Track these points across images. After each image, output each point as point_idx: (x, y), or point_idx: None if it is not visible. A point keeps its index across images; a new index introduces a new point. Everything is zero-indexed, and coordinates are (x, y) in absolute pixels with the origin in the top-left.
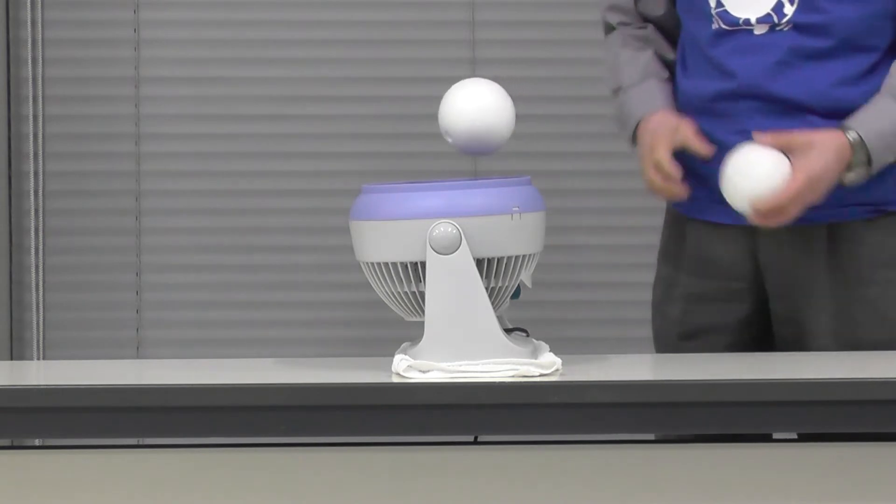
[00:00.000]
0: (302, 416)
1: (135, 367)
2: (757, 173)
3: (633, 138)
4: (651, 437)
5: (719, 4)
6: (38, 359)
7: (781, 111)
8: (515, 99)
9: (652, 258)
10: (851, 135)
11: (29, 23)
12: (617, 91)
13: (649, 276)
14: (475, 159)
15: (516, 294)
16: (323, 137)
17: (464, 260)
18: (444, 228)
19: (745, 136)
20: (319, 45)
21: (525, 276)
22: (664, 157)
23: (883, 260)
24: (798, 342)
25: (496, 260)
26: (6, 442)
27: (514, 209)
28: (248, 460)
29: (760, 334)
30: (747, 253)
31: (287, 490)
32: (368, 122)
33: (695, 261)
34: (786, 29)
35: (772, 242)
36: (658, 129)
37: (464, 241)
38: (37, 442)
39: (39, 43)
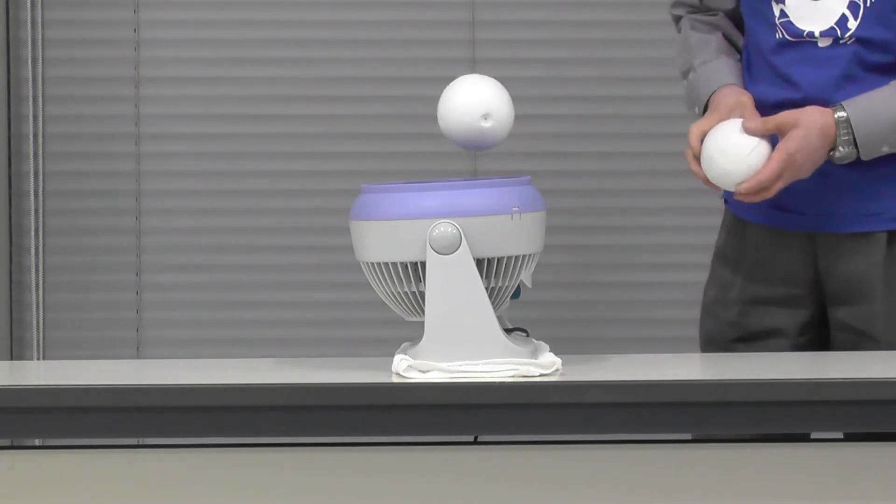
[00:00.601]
0: (302, 416)
1: (135, 367)
2: (735, 154)
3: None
4: (650, 437)
5: (783, 15)
6: (38, 359)
7: None
8: (515, 99)
9: (651, 258)
10: (839, 112)
11: (29, 23)
12: (687, 72)
13: (649, 276)
14: (475, 160)
15: (516, 294)
16: (323, 137)
17: (464, 260)
18: (444, 228)
19: None
20: (319, 45)
21: (525, 276)
22: (694, 129)
23: None
24: (856, 348)
25: (496, 260)
26: (6, 442)
27: (514, 209)
28: (248, 460)
29: (818, 339)
30: (807, 258)
31: (287, 490)
32: (368, 122)
33: (754, 265)
34: (849, 42)
35: (831, 248)
36: (719, 104)
37: (464, 241)
38: (37, 442)
39: (39, 43)
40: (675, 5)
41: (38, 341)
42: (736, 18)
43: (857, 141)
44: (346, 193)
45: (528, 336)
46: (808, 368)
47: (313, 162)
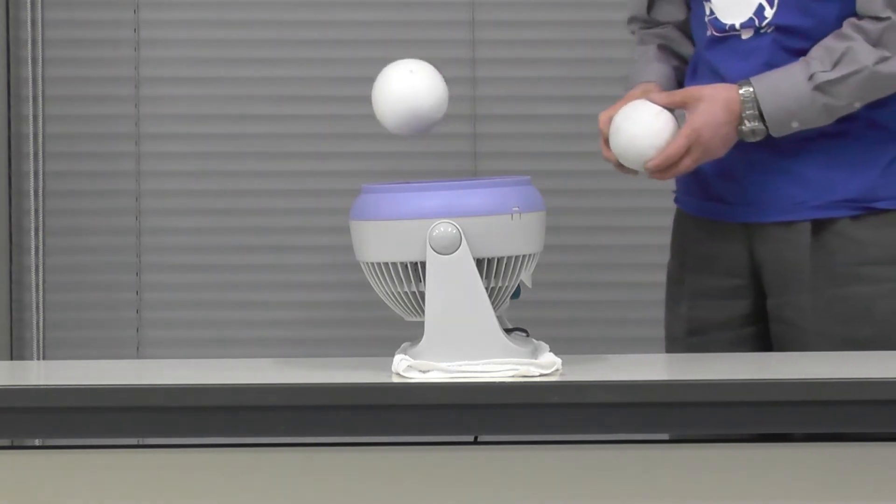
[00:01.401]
0: (302, 416)
1: (135, 367)
2: (641, 119)
3: None
4: (651, 437)
5: (711, 12)
6: (38, 359)
7: None
8: (515, 99)
9: (651, 258)
10: (744, 88)
11: (29, 23)
12: (626, 79)
13: (649, 276)
14: (475, 160)
15: (516, 294)
16: (323, 137)
17: (464, 260)
18: (444, 228)
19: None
20: (319, 45)
21: (525, 276)
22: (603, 115)
23: (871, 257)
24: (787, 338)
25: (496, 260)
26: (6, 442)
27: (514, 209)
28: (248, 460)
29: (764, 330)
30: (744, 249)
31: (287, 490)
32: (368, 122)
33: (697, 258)
34: (769, 31)
35: (762, 239)
36: (628, 94)
37: (464, 241)
38: (37, 442)
39: (39, 43)
40: (630, 21)
41: (38, 341)
42: (688, 30)
43: (765, 116)
44: (346, 193)
45: (528, 336)
46: (809, 369)
47: (313, 162)
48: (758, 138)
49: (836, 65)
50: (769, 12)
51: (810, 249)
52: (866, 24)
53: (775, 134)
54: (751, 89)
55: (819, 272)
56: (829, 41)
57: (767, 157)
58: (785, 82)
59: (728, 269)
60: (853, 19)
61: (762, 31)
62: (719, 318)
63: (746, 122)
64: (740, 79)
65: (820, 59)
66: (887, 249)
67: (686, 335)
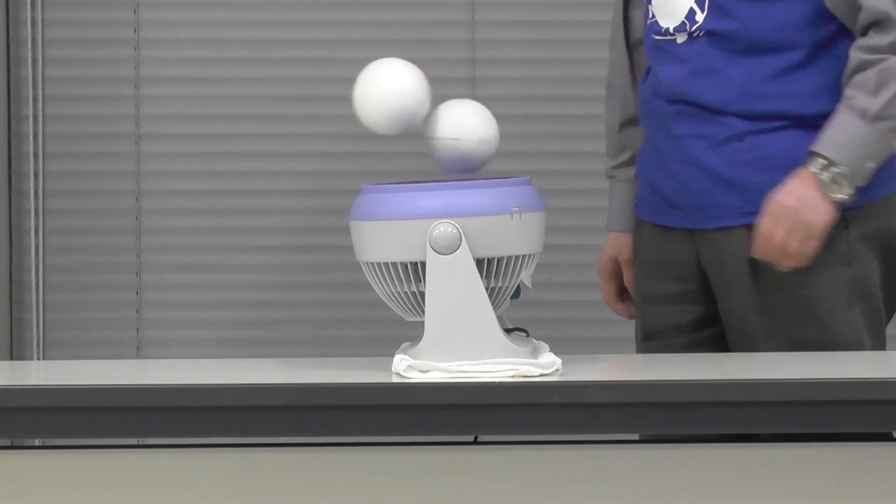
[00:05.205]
0: (302, 416)
1: (135, 367)
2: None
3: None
4: (650, 437)
5: (651, 16)
6: (38, 359)
7: (703, 115)
8: (516, 98)
9: None
10: (811, 160)
11: (29, 23)
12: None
13: None
14: None
15: (516, 294)
16: (323, 137)
17: (464, 260)
18: (444, 228)
19: (674, 140)
20: (320, 45)
21: (525, 276)
22: (610, 300)
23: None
24: (737, 342)
25: (496, 260)
26: (6, 442)
27: (514, 209)
28: (248, 460)
29: (718, 333)
30: (692, 254)
31: (287, 490)
32: None
33: (649, 263)
34: (701, 35)
35: (705, 244)
36: (603, 269)
37: (464, 241)
38: (37, 442)
39: (39, 43)
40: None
41: (38, 341)
42: None
43: (835, 162)
44: (346, 193)
45: (528, 336)
46: (800, 369)
47: (313, 162)
48: (845, 186)
49: (878, 89)
50: (700, 17)
51: (748, 254)
52: (874, 40)
53: (859, 183)
54: (817, 158)
55: (758, 277)
56: (856, 75)
57: (705, 164)
58: (842, 134)
59: (677, 274)
60: (857, 43)
61: (695, 35)
62: (671, 322)
63: (823, 173)
64: (670, 83)
65: (858, 92)
66: (822, 251)
67: (641, 340)
